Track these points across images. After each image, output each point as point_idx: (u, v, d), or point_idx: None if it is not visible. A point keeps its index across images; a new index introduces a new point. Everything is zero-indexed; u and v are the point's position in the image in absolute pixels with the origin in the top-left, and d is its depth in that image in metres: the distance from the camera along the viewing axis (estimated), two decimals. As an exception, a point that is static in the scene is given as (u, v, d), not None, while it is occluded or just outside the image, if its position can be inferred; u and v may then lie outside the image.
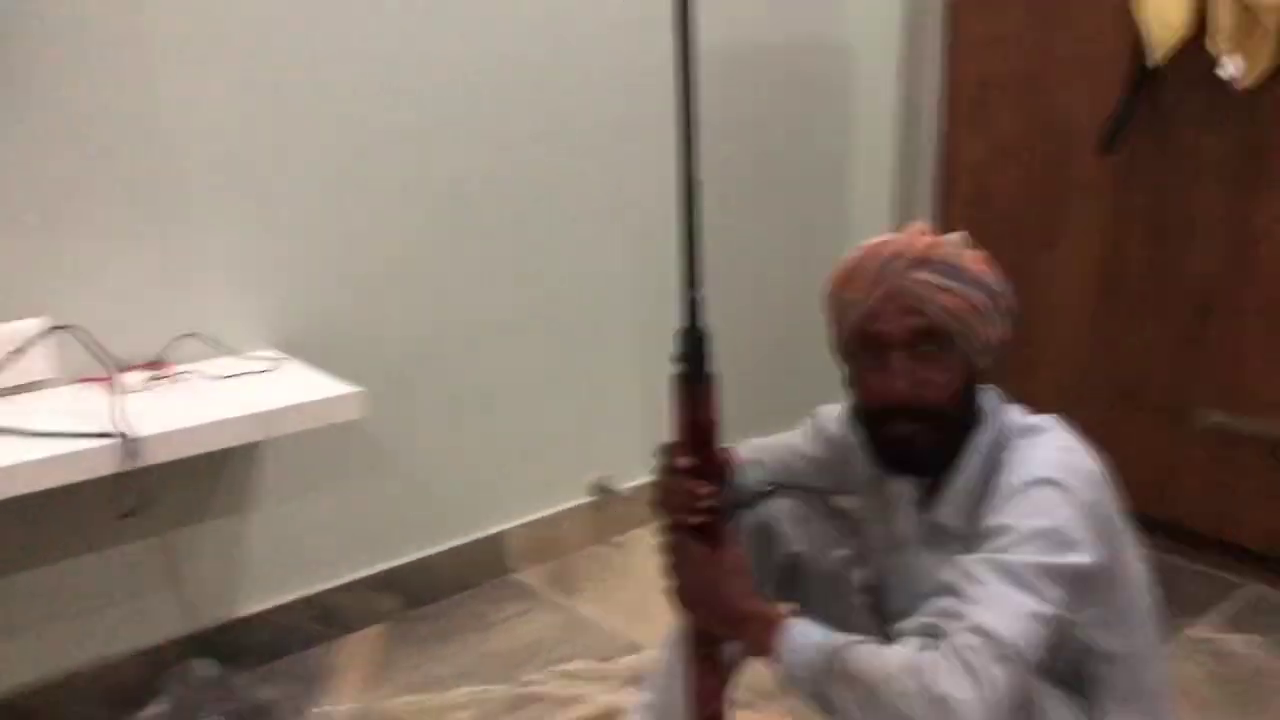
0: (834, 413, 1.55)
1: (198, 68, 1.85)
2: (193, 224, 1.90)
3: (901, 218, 2.85)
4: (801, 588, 1.57)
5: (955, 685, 1.08)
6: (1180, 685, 1.92)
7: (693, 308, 1.23)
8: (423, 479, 2.30)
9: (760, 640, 1.22)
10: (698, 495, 1.28)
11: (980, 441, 1.32)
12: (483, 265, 2.28)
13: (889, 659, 1.13)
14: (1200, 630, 2.22)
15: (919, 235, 1.31)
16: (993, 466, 1.29)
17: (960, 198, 2.80)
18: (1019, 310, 1.34)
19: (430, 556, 2.33)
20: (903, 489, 1.41)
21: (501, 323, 2.34)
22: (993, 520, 1.20)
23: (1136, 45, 2.32)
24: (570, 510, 2.54)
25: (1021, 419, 1.34)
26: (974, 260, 1.29)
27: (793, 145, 2.77)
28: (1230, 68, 2.18)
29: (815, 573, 1.56)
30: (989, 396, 1.36)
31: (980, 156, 2.74)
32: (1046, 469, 1.22)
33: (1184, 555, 2.50)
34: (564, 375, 2.46)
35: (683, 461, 1.28)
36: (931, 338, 1.26)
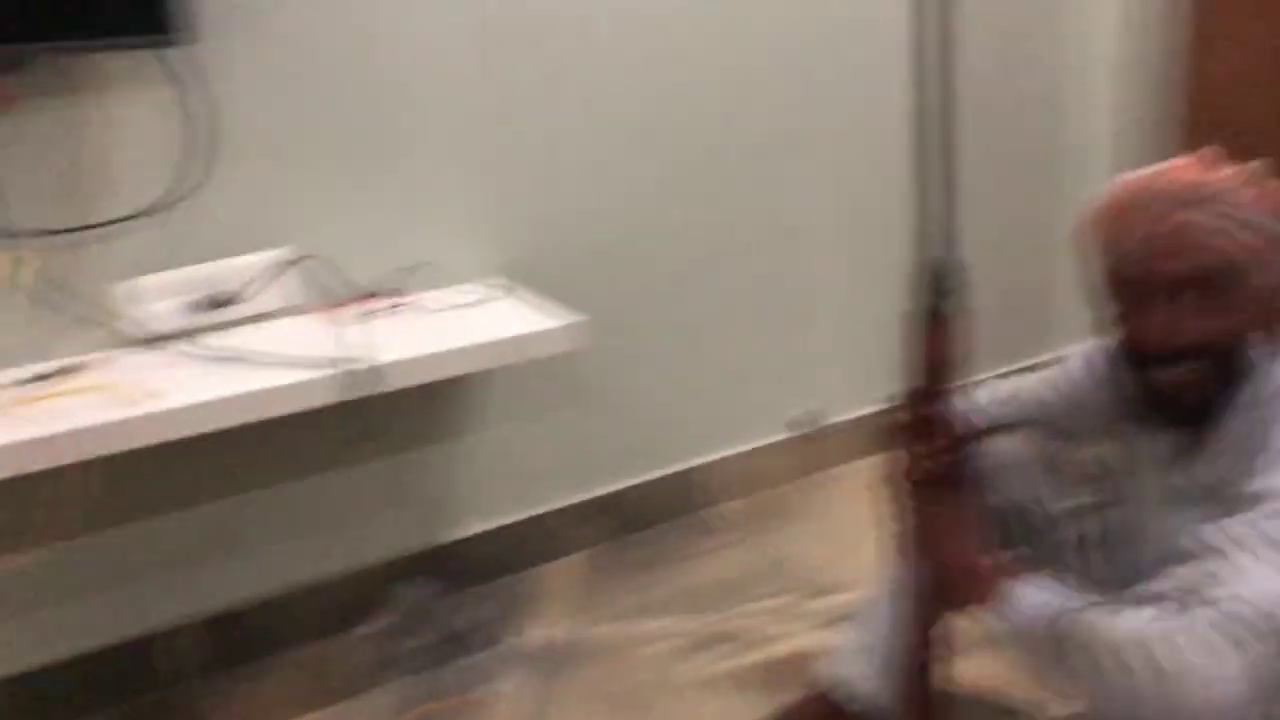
0: (1084, 354, 1.48)
1: (423, 4, 1.87)
2: (423, 158, 1.94)
3: (1123, 145, 2.66)
4: (1022, 538, 1.52)
5: (1201, 660, 1.01)
6: None
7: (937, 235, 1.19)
8: (635, 408, 2.31)
9: (987, 595, 1.19)
10: (935, 447, 1.26)
11: (1246, 397, 1.23)
12: (698, 197, 2.26)
13: (1120, 628, 1.07)
14: None
15: (1191, 169, 1.21)
16: (1259, 425, 1.21)
17: (1204, 126, 2.57)
18: None
19: (639, 485, 2.35)
20: (1156, 441, 1.34)
21: (713, 255, 2.31)
22: (1258, 484, 1.13)
23: None
24: (776, 444, 2.52)
25: None
26: (1253, 199, 1.19)
27: (1021, 62, 2.62)
28: None
29: (1035, 524, 1.51)
30: (1263, 350, 1.27)
31: (1230, 77, 2.50)
32: None
33: None
34: (773, 307, 2.44)
35: (923, 409, 1.25)
36: (1201, 283, 1.17)
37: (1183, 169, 1.22)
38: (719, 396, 2.42)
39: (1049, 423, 1.53)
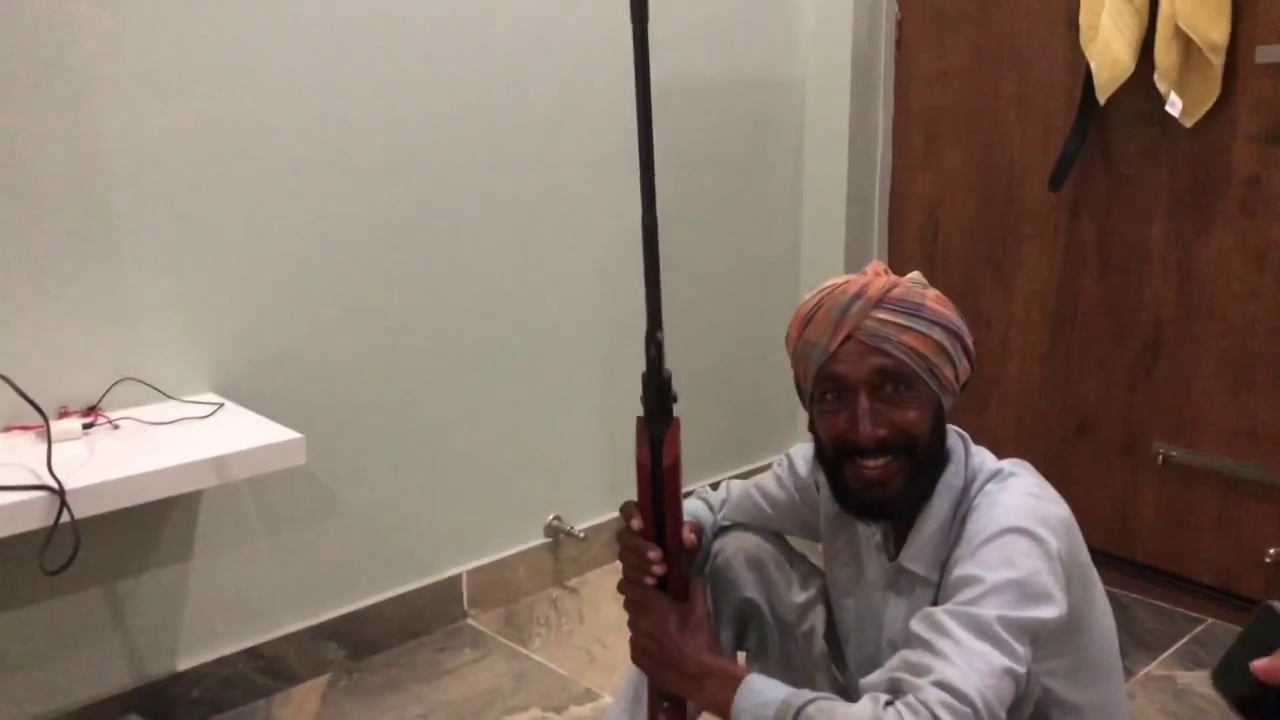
0: (804, 453, 1.54)
1: (133, 103, 1.80)
2: (129, 264, 1.84)
3: (853, 252, 2.85)
4: (757, 634, 1.56)
5: None
6: (1139, 724, 1.90)
7: (655, 351, 1.19)
8: (371, 523, 2.23)
9: (718, 697, 1.20)
10: (648, 559, 1.27)
11: (948, 484, 1.30)
12: (432, 302, 2.24)
13: (852, 717, 1.09)
14: (1157, 669, 2.21)
15: (877, 276, 1.30)
16: (961, 511, 1.28)
17: (912, 232, 2.82)
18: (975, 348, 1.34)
19: (379, 603, 2.27)
20: (869, 532, 1.39)
21: (452, 361, 2.29)
22: (962, 570, 1.18)
23: (1084, 81, 2.35)
24: (525, 553, 2.49)
25: (990, 462, 1.33)
26: (934, 299, 1.29)
27: (745, 179, 2.76)
28: (1176, 105, 2.21)
29: (772, 620, 1.54)
30: (955, 438, 1.35)
31: (930, 191, 2.76)
32: (1017, 517, 1.20)
33: (1140, 591, 2.50)
34: (517, 413, 2.42)
35: (635, 524, 1.27)
36: (895, 377, 1.25)
37: (870, 275, 1.30)
38: (468, 504, 2.37)
39: (778, 518, 1.56)
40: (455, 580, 2.38)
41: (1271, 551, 2.31)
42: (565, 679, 2.17)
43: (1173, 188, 2.35)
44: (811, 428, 1.34)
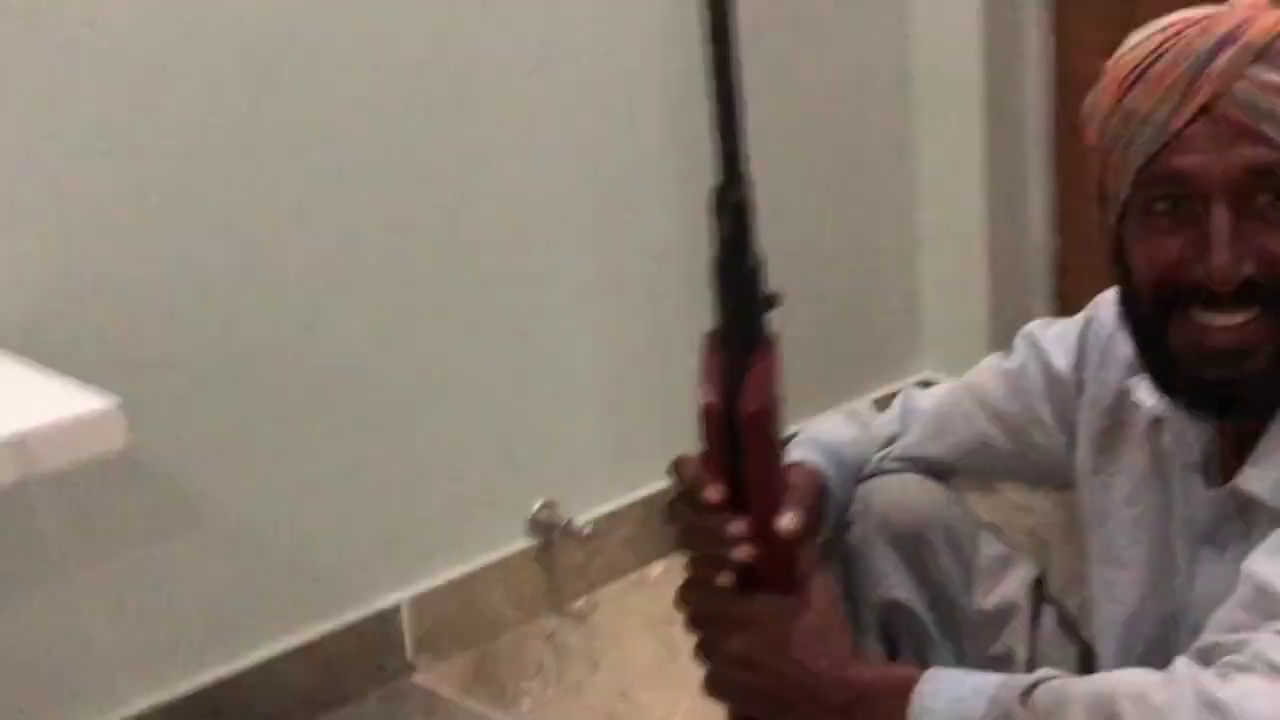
0: (1064, 334, 1.24)
1: None
2: None
3: (994, 135, 2.34)
4: (908, 644, 1.28)
5: (1264, 695, 0.80)
6: None
7: (730, 220, 0.89)
8: (251, 536, 1.76)
9: (889, 716, 0.94)
10: (730, 537, 0.95)
11: None
12: (337, 197, 1.77)
13: (1126, 678, 0.87)
14: None
15: (1262, 10, 0.99)
16: None
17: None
18: None
19: (273, 658, 1.78)
20: (1181, 449, 1.09)
21: (375, 282, 1.82)
22: None
23: None
24: (501, 564, 1.98)
25: None
26: None
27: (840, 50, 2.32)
28: None
29: (938, 636, 1.28)
30: None
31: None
32: None
33: None
34: (481, 358, 1.95)
35: (711, 492, 0.95)
36: (1277, 181, 0.94)
37: (1248, 12, 0.99)
38: (404, 498, 1.90)
39: (997, 449, 1.27)
40: (391, 614, 1.89)
41: None
42: None
43: None
44: (1115, 261, 1.05)
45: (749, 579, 0.98)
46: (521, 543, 2.02)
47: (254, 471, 1.78)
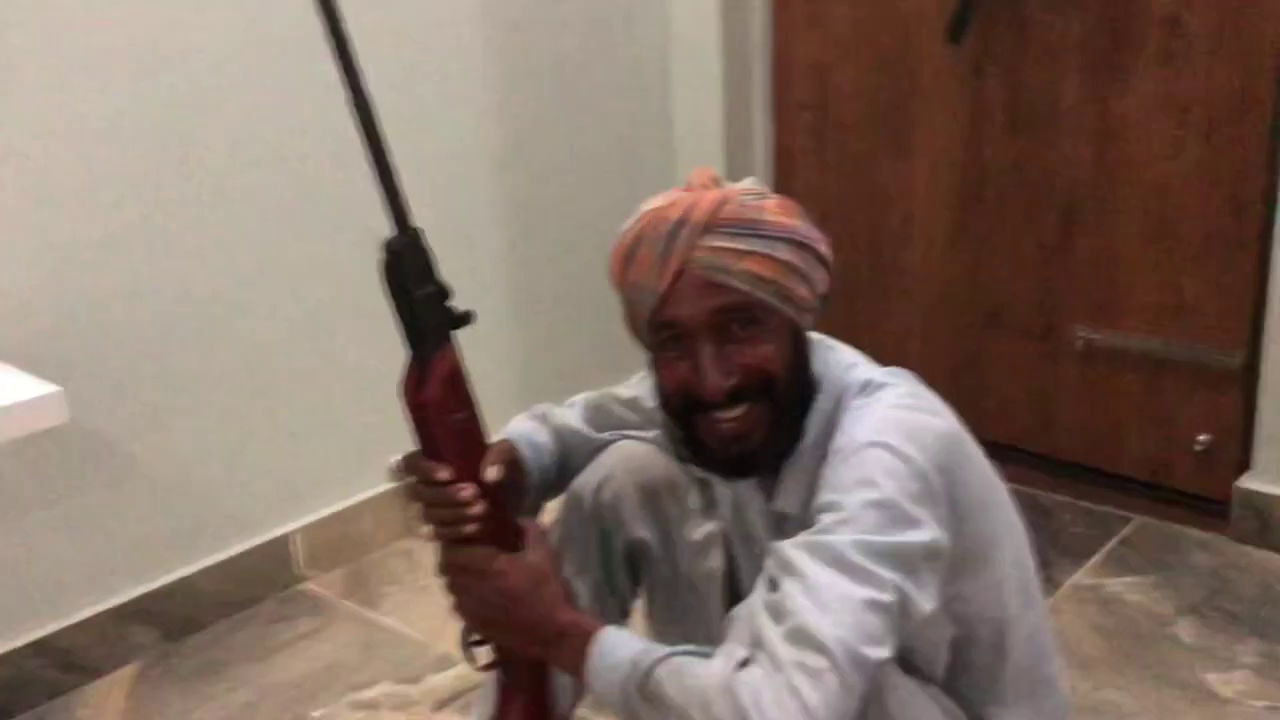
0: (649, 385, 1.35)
1: None
2: None
3: (734, 126, 2.54)
4: (649, 578, 1.40)
5: (778, 708, 0.95)
6: (1062, 641, 1.73)
7: (389, 257, 1.06)
8: (175, 480, 1.95)
9: (574, 660, 1.08)
10: (462, 501, 1.09)
11: (819, 410, 1.16)
12: (220, 217, 1.93)
13: (705, 680, 0.99)
14: (1084, 576, 2.03)
15: (704, 189, 1.13)
16: (829, 436, 1.13)
17: (797, 103, 2.52)
18: (833, 254, 1.15)
19: (193, 574, 1.99)
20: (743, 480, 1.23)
21: (260, 277, 2.00)
22: (820, 496, 1.07)
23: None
24: (368, 501, 2.22)
25: (860, 374, 1.17)
26: (774, 209, 1.12)
27: (603, 42, 2.44)
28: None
29: (665, 561, 1.38)
30: (822, 355, 1.19)
31: (817, 53, 2.46)
32: (879, 432, 1.07)
33: (1062, 491, 2.31)
34: (343, 339, 2.13)
35: (442, 473, 1.09)
36: (741, 313, 1.10)
37: (696, 192, 1.12)
38: (292, 449, 2.10)
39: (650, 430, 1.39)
40: (285, 539, 2.11)
41: (1201, 438, 2.13)
42: (420, 644, 1.93)
43: (1084, 36, 2.09)
44: (654, 372, 1.18)
45: (483, 536, 1.11)
46: (385, 484, 2.24)
47: (178, 435, 1.94)
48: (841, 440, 1.10)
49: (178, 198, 1.88)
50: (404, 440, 2.00)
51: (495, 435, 1.19)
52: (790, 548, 1.03)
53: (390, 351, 2.04)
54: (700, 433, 1.14)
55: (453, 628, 1.82)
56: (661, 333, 1.12)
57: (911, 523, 1.03)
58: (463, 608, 1.14)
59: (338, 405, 2.15)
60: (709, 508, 1.37)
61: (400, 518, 2.26)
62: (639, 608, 1.43)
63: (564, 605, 1.12)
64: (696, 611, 1.37)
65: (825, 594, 0.98)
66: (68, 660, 1.85)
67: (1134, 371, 2.18)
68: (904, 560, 1.02)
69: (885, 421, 1.09)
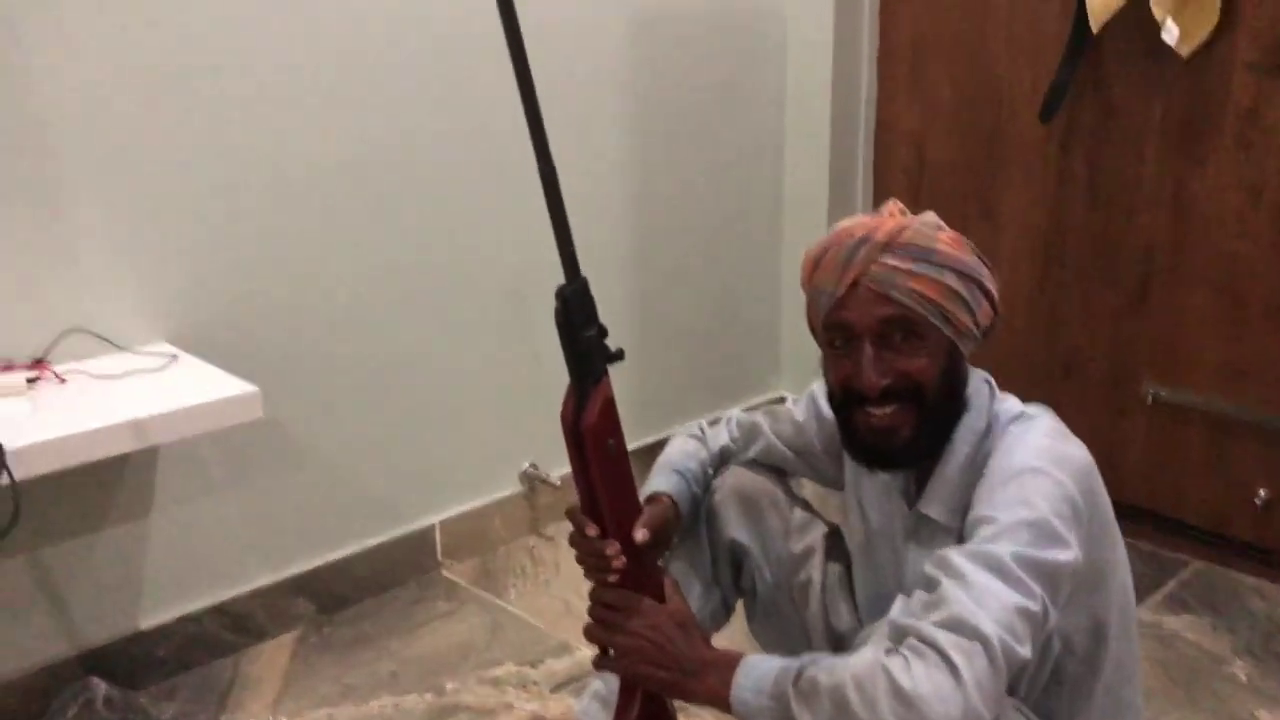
0: (809, 395, 1.52)
1: (78, 44, 1.70)
2: (78, 210, 1.75)
3: (838, 187, 2.76)
4: (749, 581, 1.52)
5: (930, 681, 1.01)
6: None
7: (561, 305, 1.18)
8: (339, 472, 2.16)
9: (718, 688, 1.16)
10: (606, 557, 1.23)
11: (968, 430, 1.27)
12: (398, 240, 2.15)
13: (853, 665, 1.06)
14: (1145, 613, 2.17)
15: (888, 217, 1.26)
16: (981, 456, 1.24)
17: (897, 164, 2.73)
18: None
19: (349, 555, 2.21)
20: (893, 479, 1.35)
21: (421, 302, 2.21)
22: (977, 511, 1.16)
23: (1076, 8, 2.25)
24: (500, 501, 2.43)
25: (1013, 406, 1.30)
26: (947, 241, 1.24)
27: (725, 112, 2.66)
28: (1172, 33, 2.12)
29: (765, 568, 1.51)
30: (979, 382, 1.31)
31: (916, 123, 2.67)
32: (1036, 458, 1.17)
33: (1126, 534, 2.43)
34: (490, 355, 2.34)
35: (590, 531, 1.23)
36: (904, 325, 1.21)
37: (881, 217, 1.26)
38: (441, 452, 2.31)
39: (793, 460, 1.53)
40: (428, 530, 2.32)
41: (1261, 493, 2.27)
42: (541, 632, 2.13)
43: (1166, 119, 2.27)
44: (824, 370, 1.31)
45: (626, 581, 1.23)
46: (515, 488, 2.43)
47: (345, 430, 2.13)
48: (1001, 462, 1.19)
49: (355, 221, 2.08)
50: (532, 449, 2.30)
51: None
52: (952, 553, 1.11)
53: (524, 372, 2.37)
54: (854, 424, 1.25)
55: (569, 619, 2.12)
56: (833, 332, 1.24)
57: (1061, 542, 1.11)
58: (607, 637, 1.24)
59: (478, 414, 2.35)
60: (810, 524, 1.50)
61: (525, 518, 2.46)
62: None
63: (707, 644, 1.22)
64: (796, 621, 1.50)
65: (983, 594, 1.06)
66: (240, 624, 2.07)
67: (1199, 426, 2.33)
68: (1051, 576, 1.10)
69: (1040, 450, 1.19)
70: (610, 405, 1.18)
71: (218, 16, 1.84)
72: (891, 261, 1.20)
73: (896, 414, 1.22)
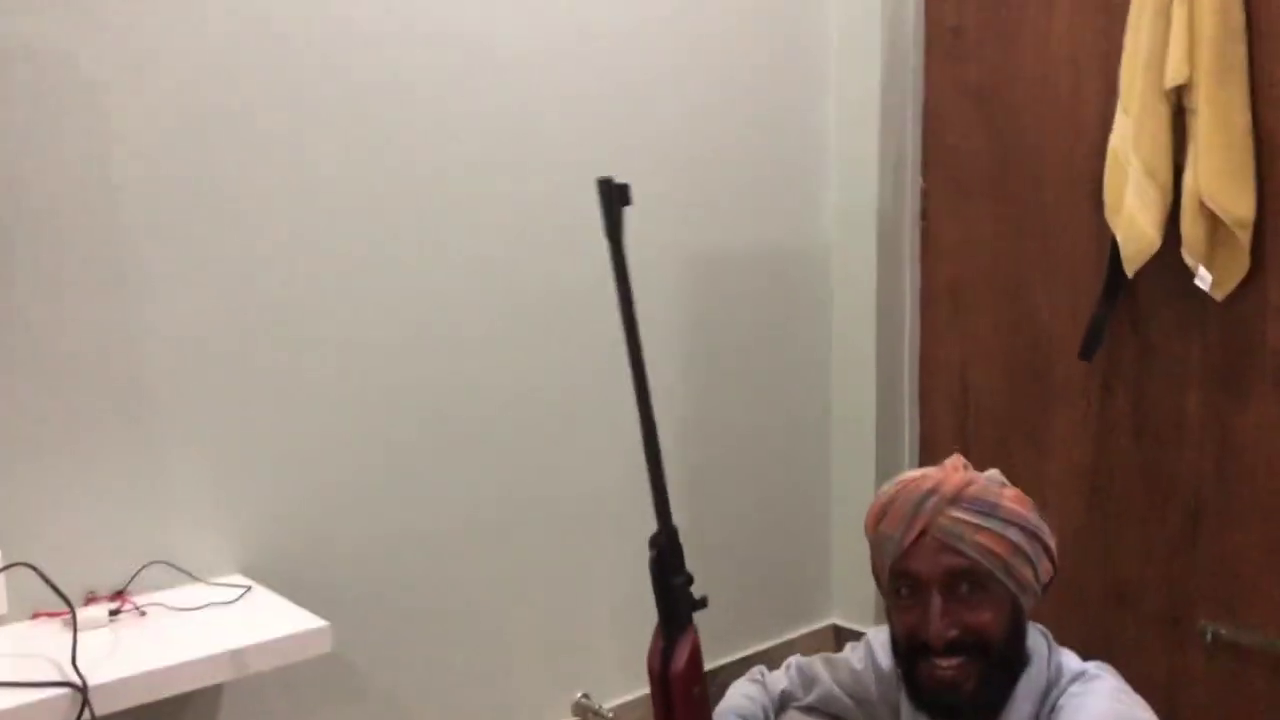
0: (885, 641, 1.51)
1: (171, 283, 1.82)
2: (159, 445, 1.84)
3: (884, 419, 2.84)
4: None
5: None
6: None
7: (655, 554, 1.22)
8: (397, 708, 2.16)
9: None
10: None
11: (1031, 684, 1.29)
12: (456, 484, 2.21)
13: None
14: None
15: (954, 471, 1.33)
16: (1044, 713, 1.26)
17: (942, 396, 2.81)
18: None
19: None
20: None
21: (479, 535, 2.26)
22: None
23: (1111, 250, 2.35)
24: None
25: (1074, 662, 1.32)
26: (1011, 498, 1.30)
27: (772, 349, 2.78)
28: (1205, 280, 2.21)
29: None
30: (1037, 636, 1.34)
31: (959, 357, 2.76)
32: (1103, 718, 1.20)
33: (1193, 775, 2.39)
34: (545, 587, 2.37)
35: None
36: (969, 577, 1.26)
37: (947, 471, 1.32)
38: (492, 686, 2.30)
39: (850, 709, 1.54)
40: None
41: (1330, 736, 2.22)
42: None
43: (1206, 359, 2.33)
44: (888, 618, 1.35)
45: None
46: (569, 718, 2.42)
47: (403, 668, 2.14)
48: None
49: (423, 475, 2.15)
50: (583, 680, 2.29)
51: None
52: None
53: (579, 607, 2.38)
54: (919, 674, 1.28)
55: None
56: (899, 581, 1.28)
57: None
58: None
59: (533, 647, 2.36)
60: None
61: None
62: None
63: None
64: None
65: None
66: None
67: (1260, 666, 2.29)
68: None
69: (1107, 714, 1.21)
70: (697, 652, 1.21)
71: (303, 268, 1.97)
72: (958, 515, 1.25)
73: (962, 667, 1.25)
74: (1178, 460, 2.39)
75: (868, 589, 2.69)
